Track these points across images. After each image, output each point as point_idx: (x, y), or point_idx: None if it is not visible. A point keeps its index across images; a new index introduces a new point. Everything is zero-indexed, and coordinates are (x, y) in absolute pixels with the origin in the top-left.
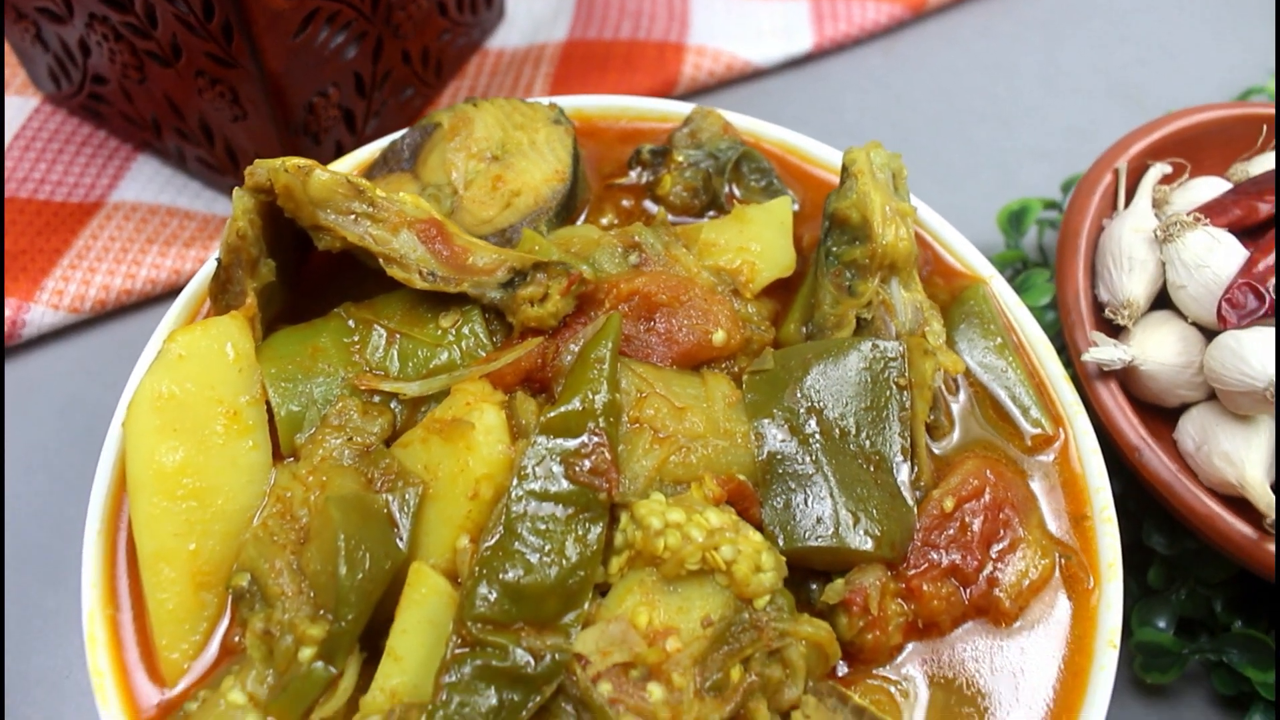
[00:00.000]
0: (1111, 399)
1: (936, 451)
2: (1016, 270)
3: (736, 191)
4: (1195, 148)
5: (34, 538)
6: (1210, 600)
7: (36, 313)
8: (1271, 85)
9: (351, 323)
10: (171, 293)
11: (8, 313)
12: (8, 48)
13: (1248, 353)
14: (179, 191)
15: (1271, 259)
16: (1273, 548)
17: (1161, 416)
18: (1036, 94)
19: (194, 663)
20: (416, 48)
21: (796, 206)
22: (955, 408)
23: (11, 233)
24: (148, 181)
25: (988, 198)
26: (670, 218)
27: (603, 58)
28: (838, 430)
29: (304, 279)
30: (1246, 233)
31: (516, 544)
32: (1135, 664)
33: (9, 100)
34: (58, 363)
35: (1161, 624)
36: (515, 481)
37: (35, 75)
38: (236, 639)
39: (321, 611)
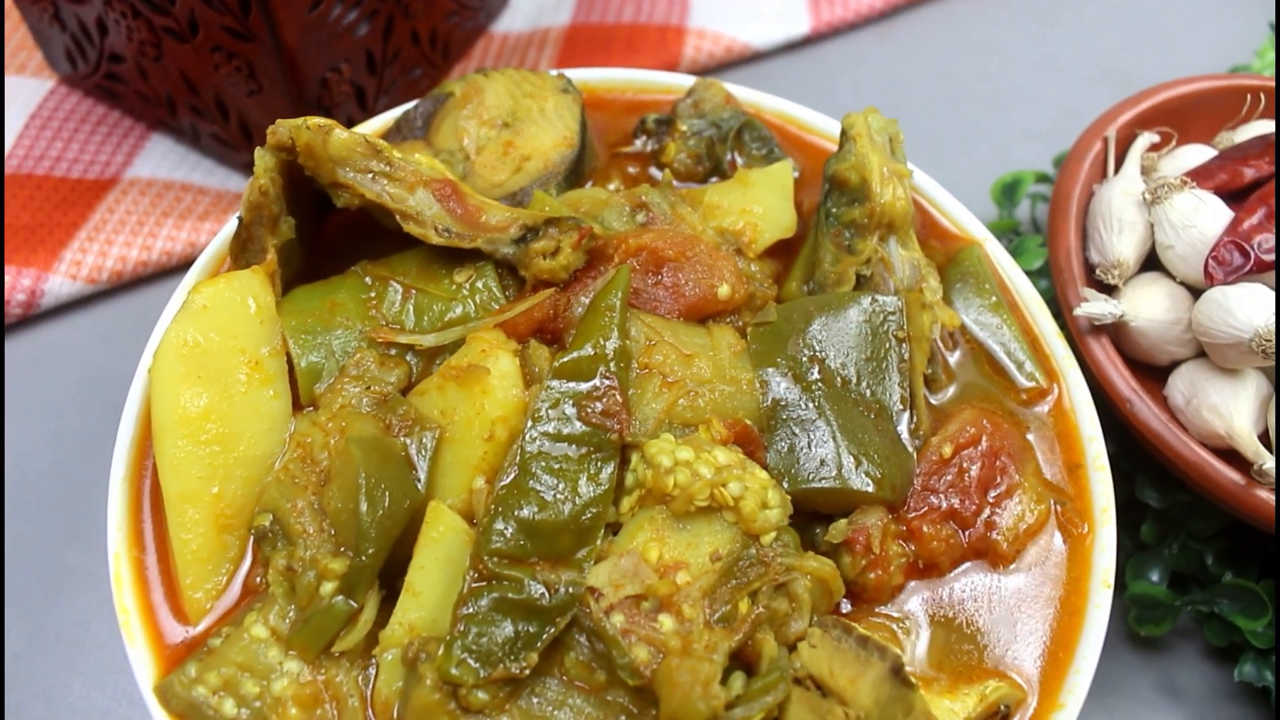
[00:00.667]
0: (1103, 353)
1: (934, 403)
2: (1010, 239)
3: (738, 159)
4: (1182, 118)
5: (54, 498)
6: (1201, 554)
7: (55, 283)
8: (1257, 64)
9: (368, 279)
10: (186, 265)
11: (27, 282)
12: (25, 30)
13: (1234, 305)
14: (192, 168)
15: (1255, 218)
16: (1261, 494)
17: (1152, 375)
18: (1028, 77)
19: (217, 603)
20: (425, 28)
21: (797, 173)
22: (952, 361)
23: (29, 207)
24: (161, 159)
25: (982, 174)
26: (675, 183)
27: (605, 41)
28: (839, 379)
29: (320, 242)
30: (1232, 196)
31: (531, 482)
32: (1130, 617)
33: (24, 82)
34: (75, 332)
35: (1154, 577)
36: (529, 423)
37: (51, 56)
38: (258, 580)
39: (342, 549)
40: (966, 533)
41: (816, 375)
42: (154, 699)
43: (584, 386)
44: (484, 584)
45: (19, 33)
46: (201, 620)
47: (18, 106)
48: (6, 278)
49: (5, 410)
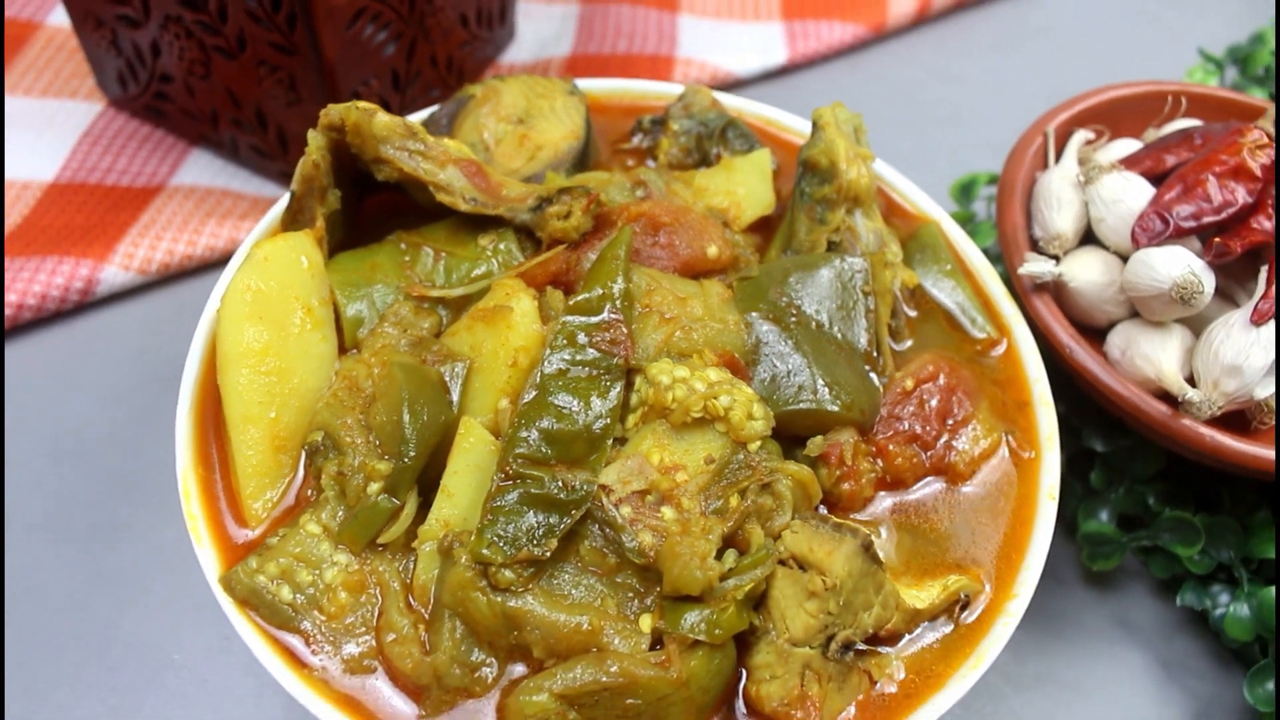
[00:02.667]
0: (1045, 308)
1: (897, 349)
2: (966, 226)
3: (724, 152)
4: (1113, 118)
5: (110, 462)
6: (1144, 495)
7: (109, 273)
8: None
9: (403, 245)
10: (227, 258)
11: (85, 272)
12: (77, 59)
13: (1155, 263)
14: (231, 177)
15: (1173, 193)
16: (1186, 423)
17: (1092, 335)
18: (985, 101)
19: (273, 512)
20: (443, 53)
21: (775, 164)
22: (912, 315)
23: (84, 210)
24: (203, 170)
25: (943, 181)
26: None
27: (602, 67)
28: (814, 323)
29: (360, 219)
30: (1155, 180)
31: (550, 399)
32: (1083, 555)
33: (77, 105)
34: (127, 317)
35: (1103, 518)
36: (548, 351)
37: (103, 81)
38: (309, 493)
39: (386, 456)
40: (928, 454)
41: (794, 319)
42: (220, 588)
43: (594, 320)
44: (510, 483)
45: (73, 61)
46: (259, 527)
47: (70, 127)
48: (67, 267)
49: (66, 385)
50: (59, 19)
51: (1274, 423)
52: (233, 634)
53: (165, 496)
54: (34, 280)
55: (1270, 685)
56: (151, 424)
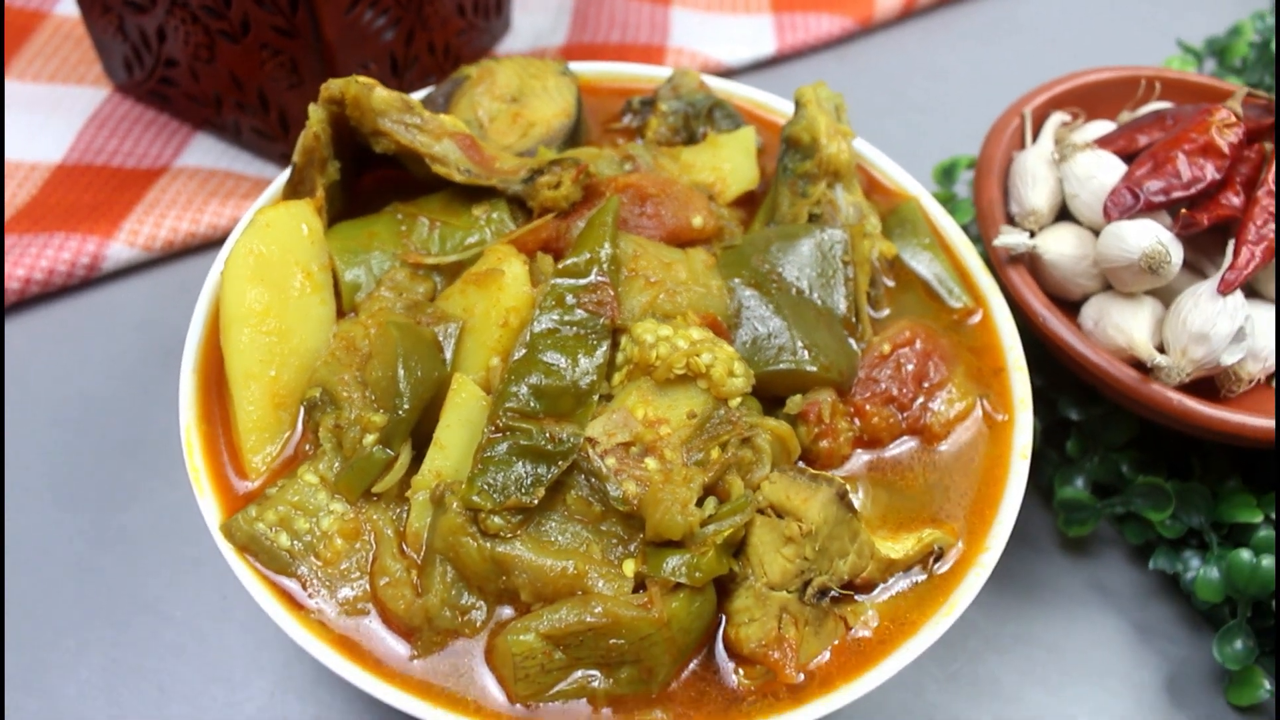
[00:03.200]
0: (1020, 279)
1: (876, 317)
2: (947, 206)
3: (710, 131)
4: (1090, 101)
5: (115, 429)
6: (1118, 463)
7: (115, 248)
8: None
9: (400, 216)
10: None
11: (91, 247)
12: (85, 47)
13: (1125, 234)
14: (233, 160)
15: (1144, 170)
16: (1155, 387)
17: (1066, 308)
18: (969, 92)
19: (272, 465)
20: (440, 40)
21: (760, 143)
22: (891, 285)
23: (91, 190)
24: (206, 152)
25: (926, 167)
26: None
27: (595, 57)
28: (794, 289)
29: (357, 192)
30: (1128, 159)
31: (539, 356)
32: (1059, 521)
33: (83, 91)
34: (132, 292)
35: (1079, 485)
36: (537, 311)
37: (110, 65)
38: (306, 448)
39: (381, 410)
40: (904, 415)
41: (775, 285)
42: (220, 535)
43: (582, 282)
44: (500, 435)
45: (80, 48)
46: (258, 479)
47: (77, 112)
48: (74, 243)
49: (72, 357)
50: (66, 8)
51: (1242, 391)
52: (231, 593)
53: (167, 463)
54: (41, 255)
55: (1239, 644)
56: (155, 394)
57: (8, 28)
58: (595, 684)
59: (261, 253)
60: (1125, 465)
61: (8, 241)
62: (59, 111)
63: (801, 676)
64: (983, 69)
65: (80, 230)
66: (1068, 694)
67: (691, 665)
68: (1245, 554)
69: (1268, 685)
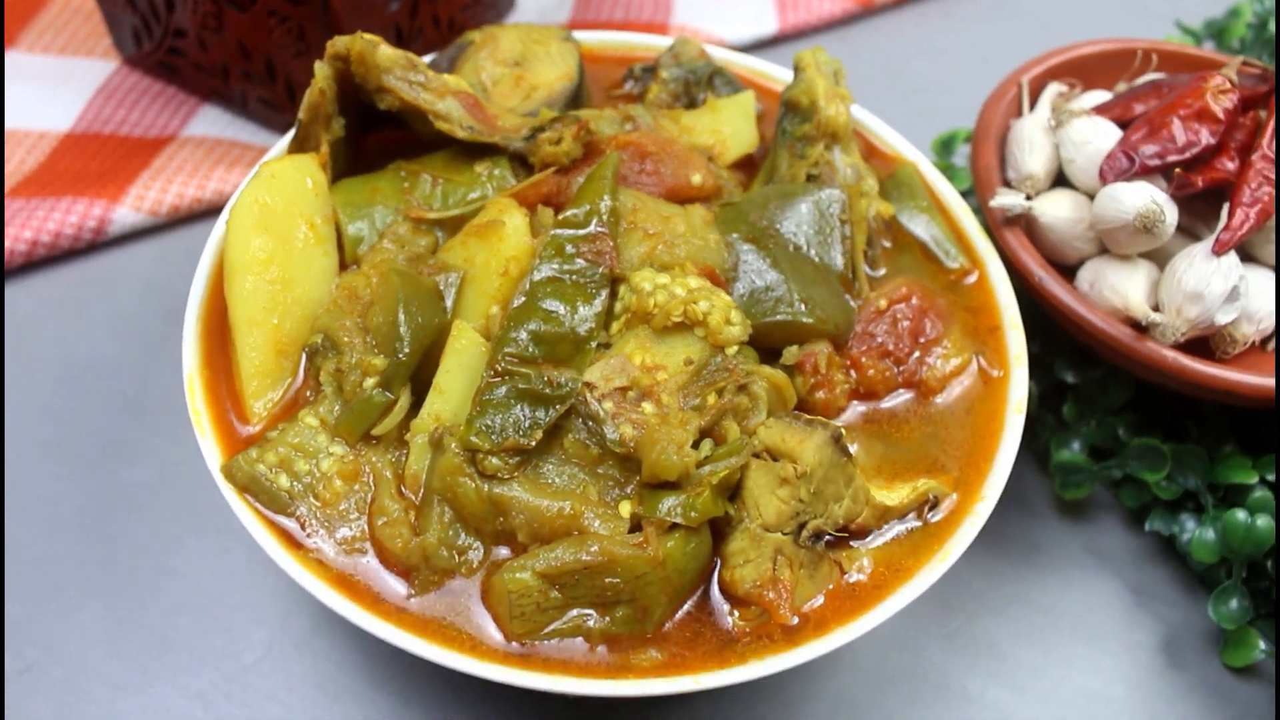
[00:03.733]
0: (1016, 240)
1: (873, 276)
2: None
3: (710, 96)
4: (1087, 72)
5: (119, 387)
6: (1114, 427)
7: (121, 213)
8: None
9: (403, 173)
10: None
11: (98, 211)
12: (95, 20)
13: (1121, 195)
14: (240, 130)
15: (1139, 135)
16: (1150, 345)
17: (1063, 273)
18: (967, 71)
19: (273, 411)
20: (445, 13)
21: (760, 109)
22: (889, 246)
23: (99, 158)
24: (212, 123)
25: (924, 141)
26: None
27: None
28: (791, 245)
29: (360, 155)
30: (1124, 126)
31: (539, 303)
32: (1056, 484)
33: (92, 63)
34: (138, 256)
35: (1075, 448)
36: (537, 260)
37: (119, 38)
38: (308, 394)
39: (381, 354)
40: (900, 369)
41: (772, 241)
42: (221, 476)
43: (581, 233)
44: (499, 379)
45: (90, 23)
46: (260, 424)
47: (86, 83)
48: (81, 207)
49: (78, 318)
50: None
51: (1237, 352)
52: (231, 546)
53: (170, 421)
54: (48, 219)
55: (1234, 603)
56: (159, 354)
57: (19, 1)
58: (591, 623)
59: (266, 203)
60: (1122, 429)
61: (15, 205)
62: (69, 82)
63: (796, 619)
64: (981, 50)
65: (87, 195)
66: (1063, 655)
67: (687, 606)
68: (1240, 514)
69: (1263, 646)
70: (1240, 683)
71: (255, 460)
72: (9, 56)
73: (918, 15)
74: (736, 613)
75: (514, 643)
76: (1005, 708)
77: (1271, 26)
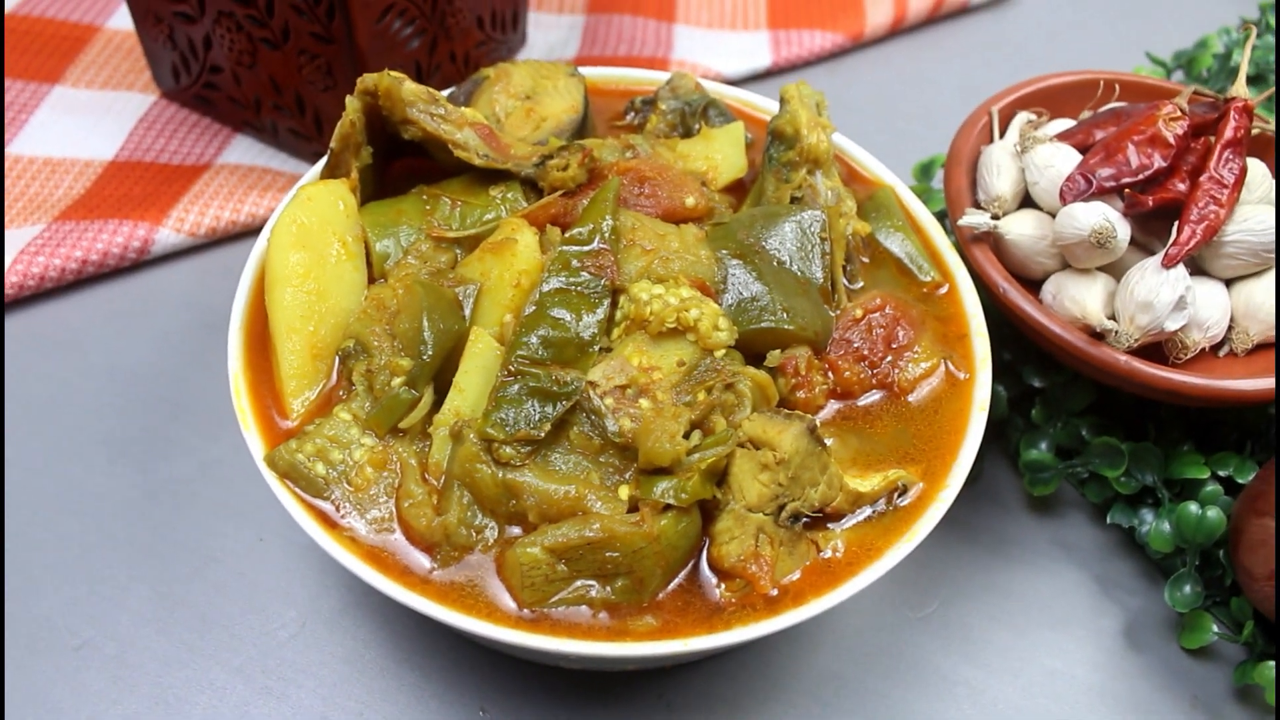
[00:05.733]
0: (983, 256)
1: (852, 289)
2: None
3: (704, 126)
4: (1054, 101)
5: (164, 392)
6: (1078, 428)
7: (163, 234)
8: None
9: (425, 196)
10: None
11: (142, 233)
12: (135, 55)
13: (1078, 214)
14: (270, 158)
15: (1096, 159)
16: (1106, 350)
17: (1029, 286)
18: (952, 102)
19: (309, 409)
20: (461, 50)
21: (750, 138)
22: (866, 261)
23: (141, 183)
24: (245, 151)
25: (907, 167)
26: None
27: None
28: (776, 260)
29: (386, 182)
30: (1085, 151)
31: (548, 311)
32: (1025, 482)
33: (133, 96)
34: (179, 274)
35: (1043, 447)
36: (546, 274)
37: (158, 73)
38: (341, 394)
39: (407, 356)
40: (874, 372)
41: (758, 256)
42: (264, 464)
43: (585, 249)
44: (512, 379)
45: (130, 59)
46: (297, 419)
47: (127, 115)
48: (126, 229)
49: (126, 330)
50: (117, 22)
51: (1188, 358)
52: (265, 535)
53: (210, 421)
54: (97, 240)
55: (1188, 588)
56: (199, 362)
57: (63, 40)
58: (593, 592)
59: (303, 222)
60: (1085, 429)
61: (66, 227)
62: (111, 114)
63: (775, 590)
64: (966, 80)
65: (132, 217)
66: (1032, 638)
67: (678, 579)
68: (1193, 507)
69: (1215, 629)
70: (1195, 664)
71: (295, 450)
72: (56, 90)
73: (906, 48)
74: (723, 585)
75: (525, 610)
76: (976, 685)
77: (1236, 56)
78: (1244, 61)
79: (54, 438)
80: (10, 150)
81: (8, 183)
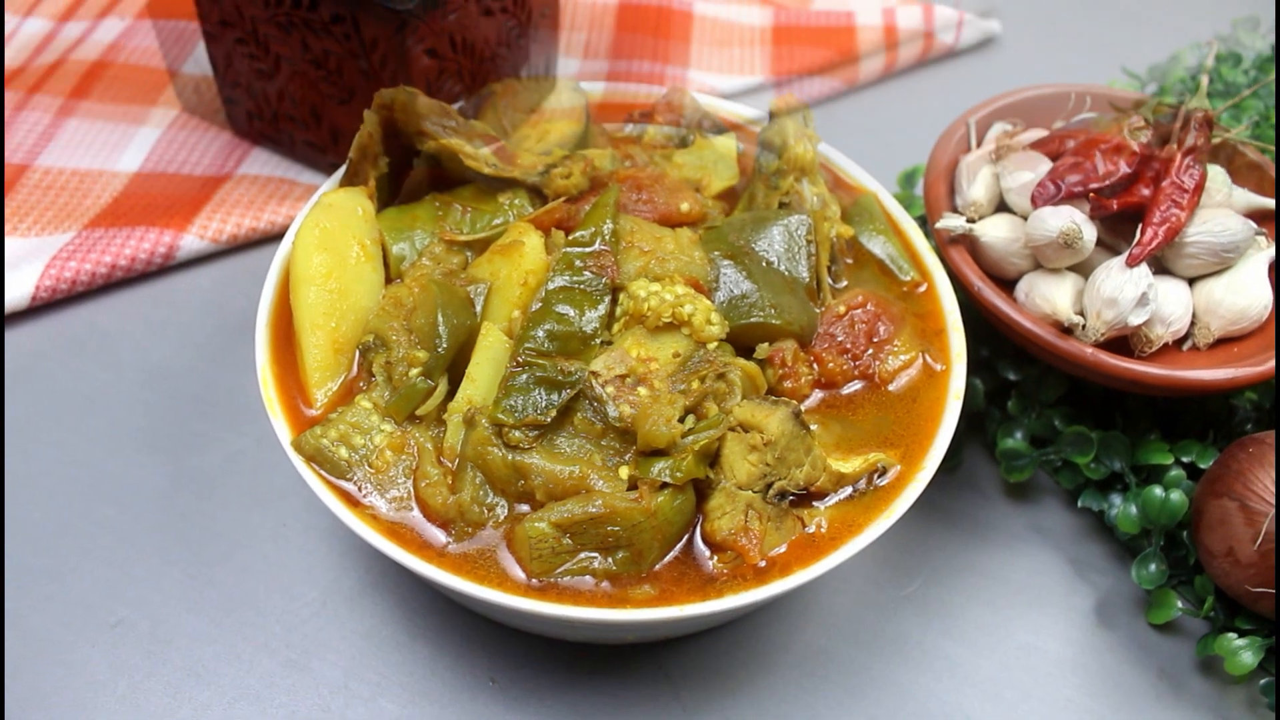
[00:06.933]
0: (960, 256)
1: (836, 288)
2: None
3: (698, 137)
4: (1029, 112)
5: (191, 389)
6: (1051, 418)
7: (187, 240)
8: None
9: (437, 203)
10: (286, 232)
11: (167, 239)
12: (160, 72)
13: (1047, 217)
14: (287, 169)
15: (1064, 165)
16: (1074, 344)
17: (1004, 286)
18: (935, 115)
19: (332, 398)
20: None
21: (742, 149)
22: (850, 263)
23: (166, 191)
24: (264, 163)
25: (893, 174)
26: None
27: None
28: (764, 261)
29: (400, 189)
30: (1056, 159)
31: (553, 307)
32: (1001, 469)
33: (156, 111)
34: (202, 278)
35: (1018, 436)
36: (551, 273)
37: (180, 89)
38: (361, 385)
39: (423, 350)
40: (856, 363)
41: (748, 257)
42: (291, 449)
43: (588, 250)
44: (520, 369)
45: (153, 76)
46: (321, 408)
47: (151, 129)
48: (153, 235)
49: (154, 331)
50: (139, 41)
51: (1152, 351)
52: (287, 520)
53: (234, 417)
54: (125, 245)
55: (1153, 566)
56: (223, 362)
57: (90, 63)
58: (596, 564)
59: (325, 227)
60: (1057, 419)
61: (95, 234)
62: (135, 129)
63: (764, 562)
64: (951, 98)
65: (157, 225)
66: (1008, 615)
67: (674, 552)
68: (1157, 490)
69: (1180, 605)
70: (1161, 638)
71: (320, 436)
72: (83, 106)
73: (899, 92)
74: (715, 557)
75: (534, 579)
76: (956, 659)
77: (1274, 48)
78: (1204, 75)
79: (89, 432)
80: (40, 162)
81: (38, 194)
